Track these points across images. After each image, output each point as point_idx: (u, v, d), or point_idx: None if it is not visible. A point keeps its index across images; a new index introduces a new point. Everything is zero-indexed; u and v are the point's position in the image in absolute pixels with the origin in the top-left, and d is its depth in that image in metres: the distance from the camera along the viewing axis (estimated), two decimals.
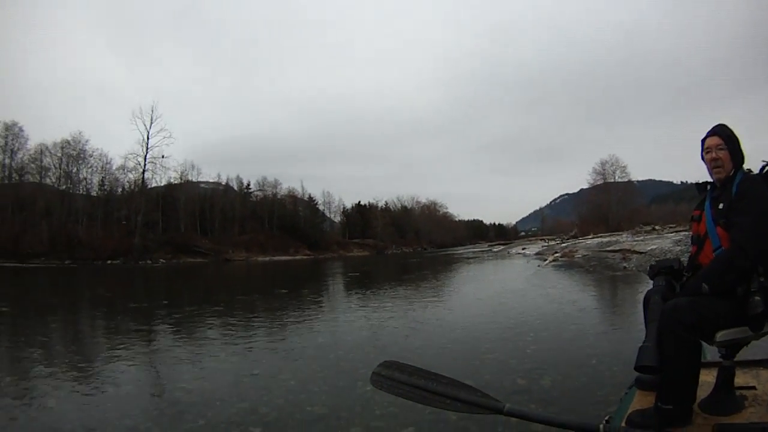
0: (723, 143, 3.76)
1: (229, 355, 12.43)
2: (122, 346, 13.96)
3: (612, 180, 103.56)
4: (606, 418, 3.46)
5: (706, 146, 3.85)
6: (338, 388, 9.13)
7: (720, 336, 3.32)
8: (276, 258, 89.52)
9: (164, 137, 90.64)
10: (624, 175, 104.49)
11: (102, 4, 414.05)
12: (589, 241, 59.71)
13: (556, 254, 51.06)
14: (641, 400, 3.73)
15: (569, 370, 9.47)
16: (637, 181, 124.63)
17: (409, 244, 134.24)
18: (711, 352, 4.17)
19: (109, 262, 72.10)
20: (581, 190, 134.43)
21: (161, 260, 77.31)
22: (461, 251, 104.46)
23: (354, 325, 16.24)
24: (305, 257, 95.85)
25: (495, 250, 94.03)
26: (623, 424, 3.34)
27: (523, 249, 76.88)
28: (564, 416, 3.16)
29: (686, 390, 3.23)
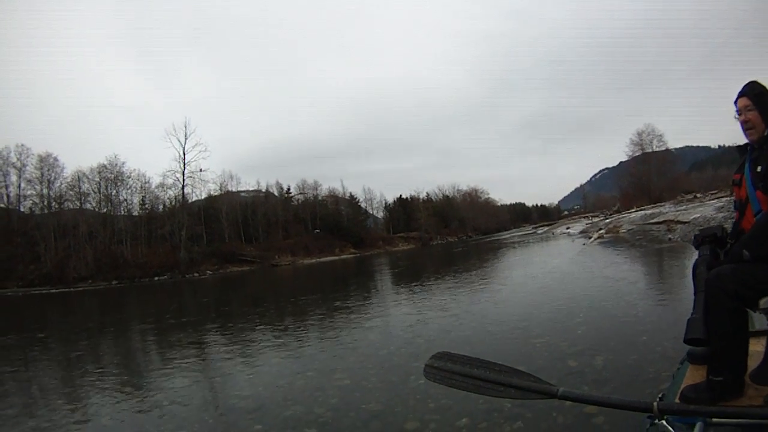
0: (751, 104, 3.59)
1: (282, 359, 12.55)
2: (175, 359, 14.26)
3: (650, 150, 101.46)
4: (660, 395, 3.41)
5: (738, 108, 3.72)
6: (391, 383, 9.18)
7: (763, 302, 3.25)
8: (322, 259, 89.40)
9: (200, 151, 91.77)
10: (661, 143, 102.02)
11: (122, 27, 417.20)
12: (632, 215, 58.92)
13: (601, 231, 50.58)
14: (694, 375, 3.66)
15: (620, 348, 9.42)
16: (675, 149, 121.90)
17: (453, 233, 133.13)
18: (759, 321, 4.09)
19: (156, 278, 73.00)
20: (620, 163, 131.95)
21: (208, 271, 77.82)
22: (506, 236, 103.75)
23: (403, 320, 16.21)
24: (351, 256, 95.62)
25: (539, 232, 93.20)
26: (677, 400, 3.30)
27: (567, 228, 76.15)
28: (617, 396, 3.13)
29: (736, 360, 3.17)
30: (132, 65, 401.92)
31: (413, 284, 28.08)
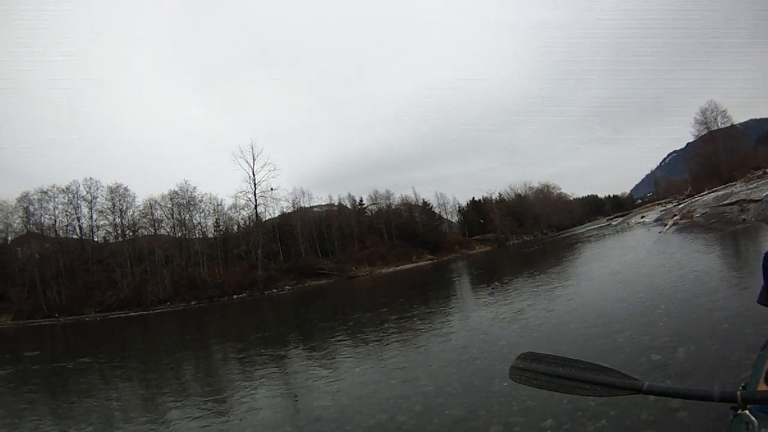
0: None
1: (364, 368, 12.70)
2: (257, 373, 14.64)
3: (715, 128, 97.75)
4: (743, 383, 3.37)
5: None
6: (475, 387, 9.21)
7: None
8: (399, 267, 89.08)
9: (269, 171, 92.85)
10: (726, 120, 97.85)
11: (181, 56, 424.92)
12: (705, 198, 57.11)
13: (675, 217, 49.38)
14: None
15: (702, 338, 9.23)
16: (739, 124, 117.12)
17: (528, 231, 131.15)
18: None
19: (235, 296, 73.87)
20: (688, 144, 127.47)
21: (286, 287, 78.31)
22: (581, 230, 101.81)
23: (484, 323, 16.19)
24: (428, 262, 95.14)
25: (614, 223, 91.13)
26: (759, 388, 3.25)
27: (642, 217, 74.46)
28: (702, 387, 3.12)
29: None
30: (194, 93, 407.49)
31: (492, 286, 27.86)
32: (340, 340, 18.03)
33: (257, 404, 10.63)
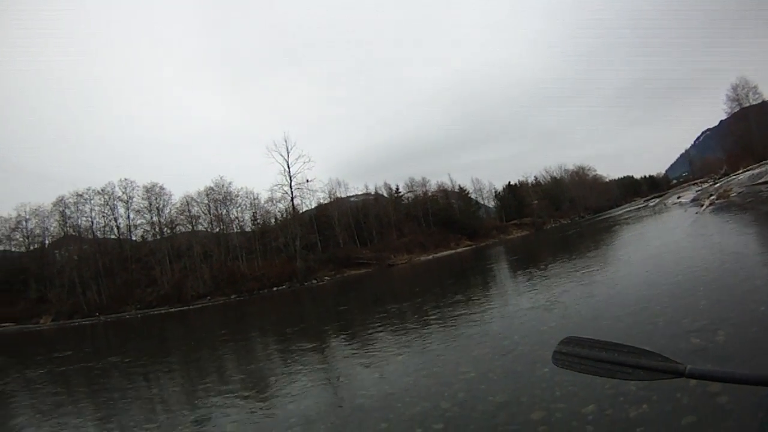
0: None
1: (406, 356, 12.80)
2: (299, 362, 14.85)
3: (747, 104, 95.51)
4: None
5: None
6: (516, 373, 9.25)
7: None
8: (438, 254, 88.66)
9: (304, 162, 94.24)
10: (757, 96, 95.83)
11: (214, 53, 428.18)
12: (740, 176, 56.39)
13: (711, 197, 48.68)
14: None
15: (741, 321, 9.12)
16: None
17: (565, 215, 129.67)
18: None
19: (274, 288, 74.28)
20: (721, 122, 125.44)
21: (326, 277, 78.67)
22: (618, 212, 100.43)
23: (524, 308, 16.15)
24: (466, 248, 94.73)
25: (651, 204, 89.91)
26: None
27: (678, 198, 73.51)
28: (744, 371, 3.16)
29: None
30: (228, 89, 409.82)
31: (530, 271, 27.73)
32: (380, 329, 18.08)
33: (300, 393, 10.82)
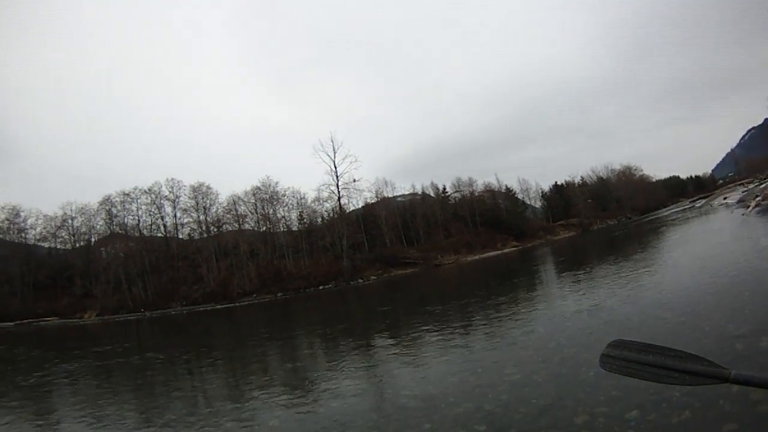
0: None
1: (451, 356, 12.79)
2: (343, 361, 15.03)
3: None
4: None
5: None
6: (561, 376, 9.23)
7: None
8: (485, 255, 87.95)
9: (350, 162, 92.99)
10: None
11: (257, 56, 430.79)
12: None
13: (757, 198, 47.98)
14: None
15: None
16: None
17: (612, 215, 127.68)
18: None
19: (320, 287, 74.61)
20: (766, 120, 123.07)
21: (372, 277, 78.75)
22: (665, 213, 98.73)
23: (570, 310, 16.09)
24: (513, 249, 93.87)
25: (697, 205, 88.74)
26: None
27: (725, 199, 72.32)
28: None
29: None
30: (275, 89, 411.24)
31: (577, 273, 27.52)
32: (425, 329, 18.03)
33: (343, 391, 10.92)
